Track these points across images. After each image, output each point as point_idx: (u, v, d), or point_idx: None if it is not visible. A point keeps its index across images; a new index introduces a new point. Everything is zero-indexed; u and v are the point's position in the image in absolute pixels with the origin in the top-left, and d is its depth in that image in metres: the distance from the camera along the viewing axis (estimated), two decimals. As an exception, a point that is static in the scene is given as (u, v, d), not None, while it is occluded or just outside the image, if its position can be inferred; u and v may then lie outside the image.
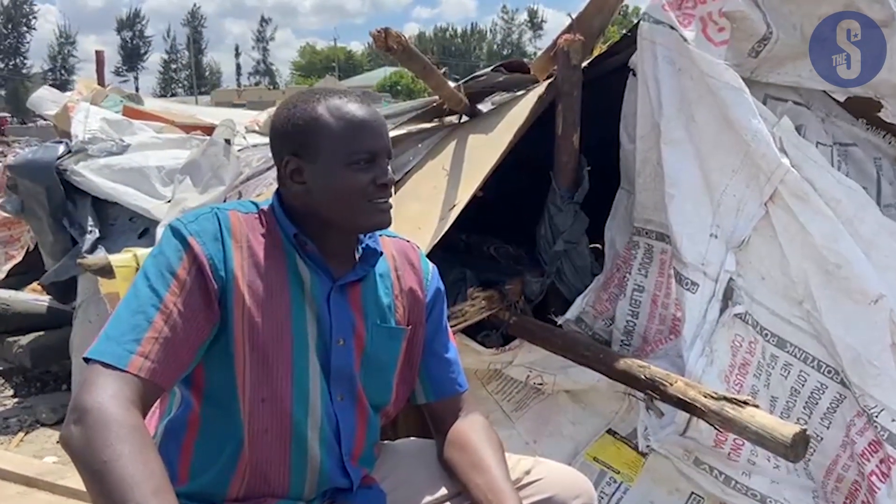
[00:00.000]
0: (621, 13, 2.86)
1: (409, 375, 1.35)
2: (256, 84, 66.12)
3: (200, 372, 1.17)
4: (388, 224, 1.26)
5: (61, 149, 3.59)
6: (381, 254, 1.31)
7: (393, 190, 1.25)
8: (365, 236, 1.30)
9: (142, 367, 1.05)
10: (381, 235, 1.34)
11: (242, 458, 1.18)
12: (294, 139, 1.22)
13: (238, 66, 73.51)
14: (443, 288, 1.42)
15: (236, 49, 77.58)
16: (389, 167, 1.24)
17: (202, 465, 1.19)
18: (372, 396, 1.28)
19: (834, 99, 2.20)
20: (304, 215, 1.23)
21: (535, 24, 72.68)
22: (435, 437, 1.40)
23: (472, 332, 2.23)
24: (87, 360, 1.06)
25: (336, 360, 1.22)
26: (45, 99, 4.94)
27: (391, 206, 1.25)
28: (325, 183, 1.20)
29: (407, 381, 1.35)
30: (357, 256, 1.29)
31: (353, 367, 1.24)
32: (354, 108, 1.22)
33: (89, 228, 3.42)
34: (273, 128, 1.26)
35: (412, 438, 1.47)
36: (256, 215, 1.23)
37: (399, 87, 38.59)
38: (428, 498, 1.30)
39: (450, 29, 75.06)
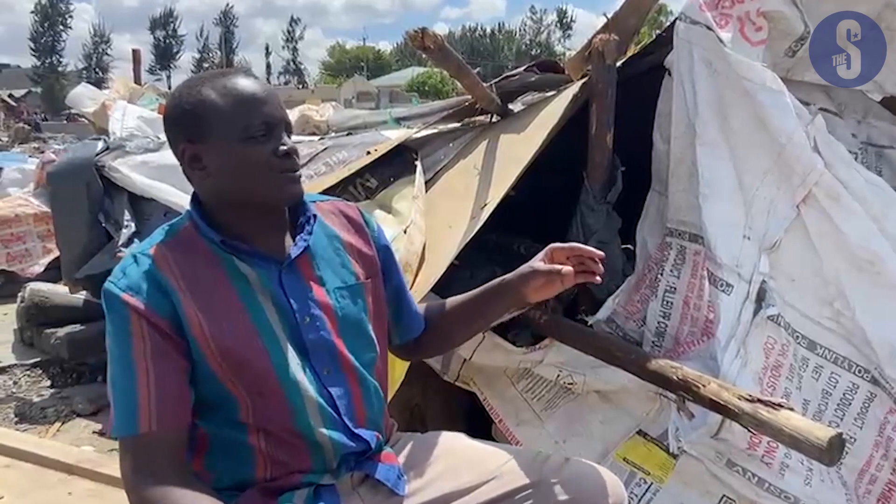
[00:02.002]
0: (656, 12, 2.85)
1: (381, 325, 1.39)
2: (286, 83, 66.61)
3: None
4: (300, 194, 1.25)
5: (100, 145, 3.67)
6: (315, 217, 1.31)
7: (298, 160, 1.23)
8: (297, 209, 1.30)
9: (151, 423, 1.12)
10: (313, 202, 1.34)
11: (258, 450, 1.21)
12: (185, 125, 1.21)
13: (268, 66, 74.15)
14: (390, 244, 1.47)
15: (266, 48, 78.30)
16: (289, 138, 1.23)
17: (222, 466, 1.22)
18: (359, 356, 1.29)
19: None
20: (220, 205, 1.23)
21: (564, 24, 72.30)
22: (419, 351, 1.53)
23: (503, 330, 2.23)
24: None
25: (310, 337, 1.23)
26: (83, 96, 5.05)
27: (300, 176, 1.24)
28: (222, 163, 1.19)
29: (381, 330, 1.38)
30: (291, 229, 1.29)
31: (331, 337, 1.25)
32: (241, 84, 1.21)
33: (125, 223, 3.49)
34: (165, 119, 1.25)
35: (439, 431, 1.48)
36: (176, 238, 1.23)
37: (427, 87, 38.65)
38: (447, 488, 1.32)
39: (478, 29, 75.00)
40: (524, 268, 1.40)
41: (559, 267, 1.35)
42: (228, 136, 1.18)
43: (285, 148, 1.20)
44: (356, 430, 1.26)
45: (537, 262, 1.39)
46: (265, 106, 1.20)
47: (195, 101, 1.20)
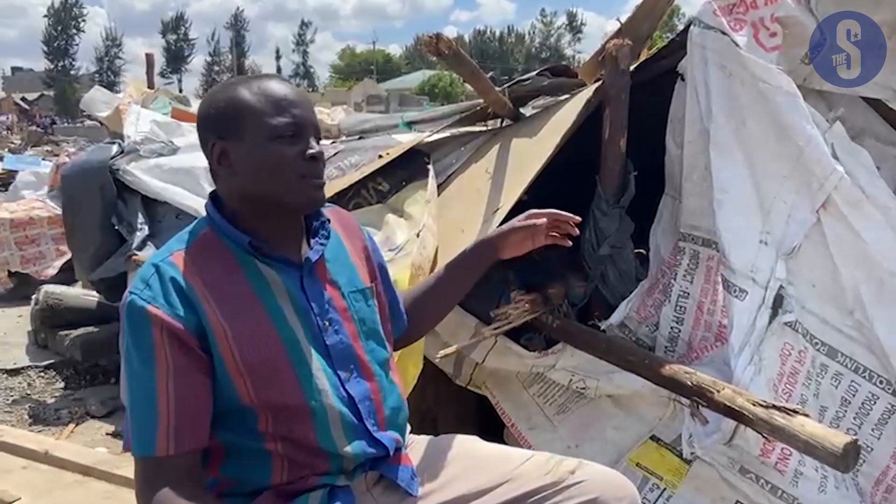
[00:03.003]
0: (668, 15, 2.85)
1: (386, 327, 1.41)
2: (296, 86, 66.80)
3: None
4: (322, 201, 1.27)
5: (114, 149, 3.70)
6: (329, 221, 1.33)
7: (323, 167, 1.25)
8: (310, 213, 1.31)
9: (168, 447, 1.13)
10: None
11: (275, 455, 1.20)
12: (218, 123, 1.23)
13: (279, 69, 74.41)
14: (378, 247, 1.52)
15: (277, 52, 78.73)
16: (318, 143, 1.24)
17: (238, 473, 1.22)
18: (376, 358, 1.31)
19: (877, 110, 2.16)
20: (241, 206, 1.23)
21: (573, 27, 72.28)
22: (405, 340, 1.56)
23: (515, 334, 2.24)
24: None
25: (331, 341, 1.25)
26: (97, 100, 5.09)
27: (323, 184, 1.25)
28: (251, 160, 1.20)
29: (387, 331, 1.41)
30: (306, 233, 1.31)
31: (350, 341, 1.27)
32: (275, 86, 1.23)
33: (139, 226, 3.51)
34: (198, 119, 1.28)
35: (452, 434, 1.49)
36: (196, 243, 1.22)
37: (437, 90, 38.69)
38: (461, 490, 1.32)
39: (487, 32, 75.07)
40: (503, 226, 1.54)
41: (536, 221, 1.52)
42: (258, 133, 1.20)
43: (312, 152, 1.22)
44: (377, 435, 1.27)
45: (516, 222, 1.53)
46: (296, 108, 1.22)
47: (228, 100, 1.22)
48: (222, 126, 1.22)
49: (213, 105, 1.25)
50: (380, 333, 1.35)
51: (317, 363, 1.22)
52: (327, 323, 1.25)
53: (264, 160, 1.20)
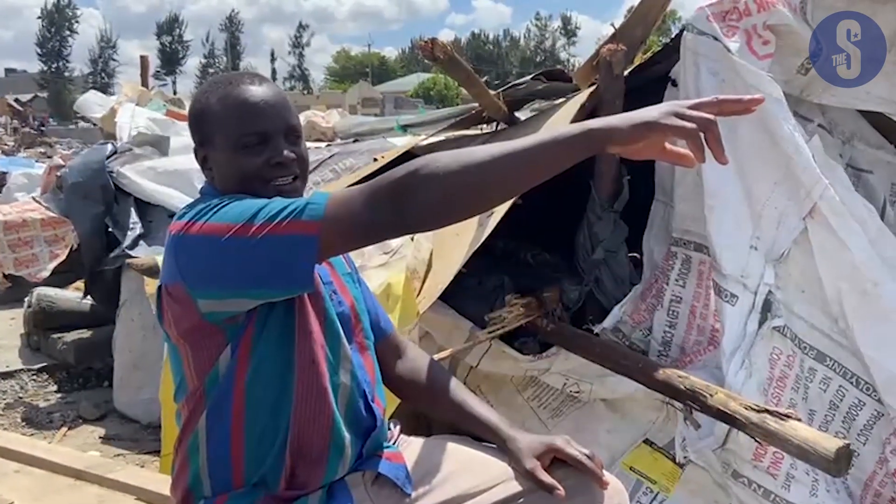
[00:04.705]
0: (664, 19, 2.86)
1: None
2: (291, 89, 66.74)
3: (247, 353, 1.18)
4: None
5: (108, 149, 3.70)
6: None
7: (297, 167, 1.25)
8: None
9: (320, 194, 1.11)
10: None
11: (287, 454, 1.21)
12: (196, 128, 1.28)
13: (273, 71, 74.33)
14: None
15: (272, 54, 78.69)
16: (290, 145, 1.23)
17: (254, 468, 1.22)
18: (367, 335, 1.35)
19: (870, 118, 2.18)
20: None
21: (568, 30, 72.48)
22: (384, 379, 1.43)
23: (510, 338, 2.24)
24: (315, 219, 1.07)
25: (338, 310, 1.27)
26: (91, 102, 5.10)
27: (295, 188, 1.25)
28: (222, 168, 1.24)
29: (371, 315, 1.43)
30: None
31: (350, 313, 1.31)
32: (243, 92, 1.23)
33: (131, 225, 3.51)
34: (188, 117, 1.33)
35: (445, 435, 1.50)
36: None
37: (432, 93, 38.73)
38: (454, 491, 1.32)
39: (482, 35, 75.22)
40: (517, 450, 1.32)
41: (550, 488, 1.25)
42: (225, 143, 1.23)
43: (279, 160, 1.22)
44: (371, 403, 1.30)
45: (531, 459, 1.30)
46: (262, 115, 1.23)
47: (201, 107, 1.27)
48: (199, 132, 1.27)
49: (193, 111, 1.29)
50: (368, 314, 1.38)
51: (335, 326, 1.25)
52: (333, 295, 1.29)
53: (232, 169, 1.23)
